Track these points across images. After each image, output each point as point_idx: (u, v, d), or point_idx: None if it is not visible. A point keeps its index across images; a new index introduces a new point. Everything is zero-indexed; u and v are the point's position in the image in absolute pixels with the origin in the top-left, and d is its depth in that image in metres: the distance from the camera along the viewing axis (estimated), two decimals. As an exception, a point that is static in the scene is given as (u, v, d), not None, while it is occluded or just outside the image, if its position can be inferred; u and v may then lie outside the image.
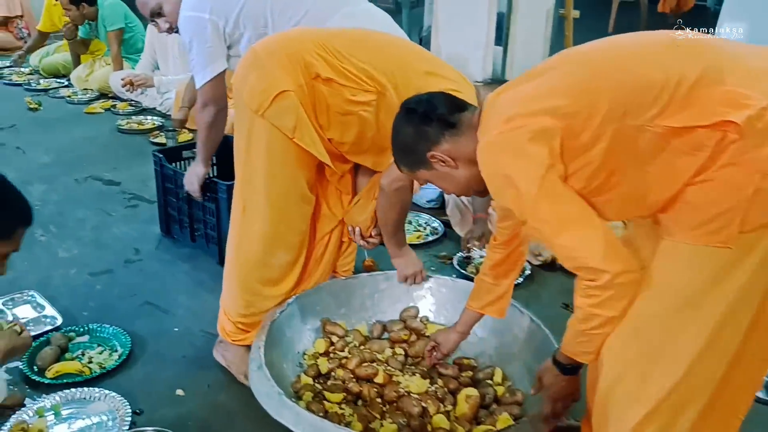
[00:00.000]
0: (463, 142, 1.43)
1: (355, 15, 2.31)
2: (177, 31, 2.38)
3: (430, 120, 1.45)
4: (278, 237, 1.96)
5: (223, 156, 2.80)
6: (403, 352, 2.05)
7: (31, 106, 4.83)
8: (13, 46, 6.70)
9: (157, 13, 2.48)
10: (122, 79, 4.73)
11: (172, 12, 2.40)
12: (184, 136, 4.09)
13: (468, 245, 2.70)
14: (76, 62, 5.51)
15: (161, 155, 2.89)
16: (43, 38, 5.94)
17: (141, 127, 4.46)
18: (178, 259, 2.80)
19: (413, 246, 2.56)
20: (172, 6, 2.40)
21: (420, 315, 2.17)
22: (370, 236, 2.19)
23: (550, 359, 1.60)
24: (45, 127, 4.50)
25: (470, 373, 2.01)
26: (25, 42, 6.73)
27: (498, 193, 1.37)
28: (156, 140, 4.20)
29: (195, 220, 2.80)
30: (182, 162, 3.00)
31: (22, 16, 6.65)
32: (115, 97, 5.09)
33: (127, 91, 4.83)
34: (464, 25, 3.51)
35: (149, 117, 4.66)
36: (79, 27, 5.17)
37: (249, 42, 2.25)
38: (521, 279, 2.58)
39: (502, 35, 3.53)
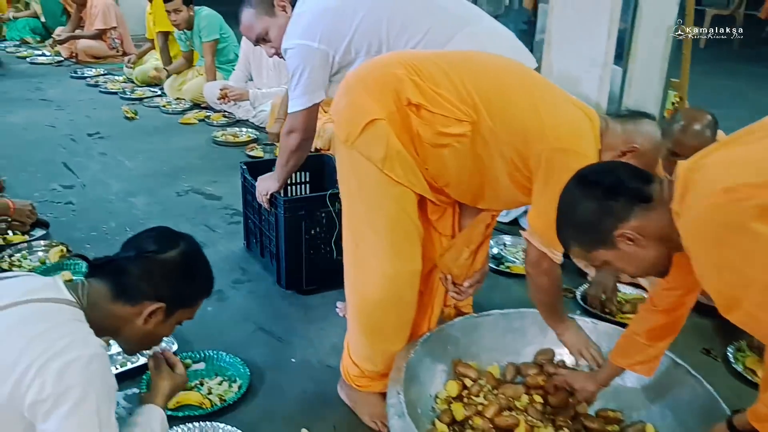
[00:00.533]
0: (654, 217, 1.28)
1: (477, 35, 2.16)
2: (282, 57, 2.29)
3: (618, 194, 1.30)
4: (396, 274, 1.79)
5: (315, 170, 2.91)
6: (541, 401, 1.89)
7: (128, 115, 4.89)
8: (107, 55, 6.87)
9: (262, 39, 2.40)
10: (220, 90, 4.73)
11: (278, 38, 2.31)
12: (281, 150, 4.04)
13: (595, 302, 2.53)
14: (167, 60, 5.59)
15: (245, 167, 2.85)
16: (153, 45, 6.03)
17: (236, 140, 4.44)
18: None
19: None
20: (278, 31, 2.31)
21: (557, 358, 2.01)
22: (463, 285, 1.99)
23: (723, 423, 1.43)
24: (143, 136, 4.54)
25: (617, 427, 1.84)
26: (117, 51, 6.91)
27: (710, 274, 1.18)
28: (252, 153, 4.16)
29: (263, 236, 2.75)
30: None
31: (115, 27, 6.79)
32: (209, 108, 5.10)
33: (221, 103, 4.83)
34: (580, 40, 3.32)
35: (244, 129, 4.63)
36: (177, 36, 5.24)
37: None
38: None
39: (621, 53, 3.33)
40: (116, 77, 6.06)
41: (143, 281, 1.35)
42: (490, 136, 1.65)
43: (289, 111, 2.31)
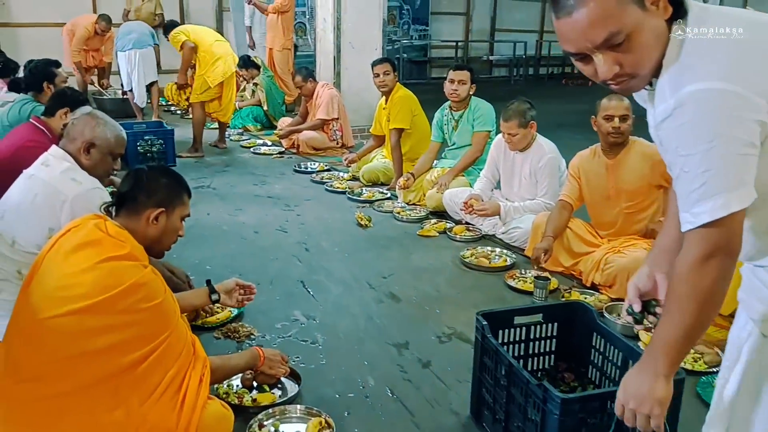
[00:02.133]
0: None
1: None
2: (629, 89, 1.36)
3: None
4: None
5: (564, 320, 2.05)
6: None
7: (362, 223, 4.39)
8: (327, 147, 6.63)
9: (608, 45, 1.26)
10: (464, 203, 4.12)
11: (645, 50, 1.27)
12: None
13: None
14: (399, 159, 5.17)
15: (484, 321, 2.17)
16: (379, 142, 5.67)
17: (490, 264, 3.73)
18: None
19: None
20: (648, 38, 1.26)
21: None
22: None
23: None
24: (380, 250, 3.98)
25: None
26: (337, 143, 6.66)
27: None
28: (514, 284, 3.43)
29: (510, 417, 2.03)
30: (512, 330, 2.31)
31: (337, 119, 6.55)
32: (448, 217, 4.50)
33: (465, 214, 4.20)
34: None
35: (497, 249, 3.92)
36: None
37: None
38: None
39: None
40: (341, 174, 5.70)
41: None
42: None
43: (700, 220, 1.24)
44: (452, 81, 4.67)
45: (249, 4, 9.05)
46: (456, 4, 14.23)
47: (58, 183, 2.50)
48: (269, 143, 7.02)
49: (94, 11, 10.51)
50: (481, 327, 2.19)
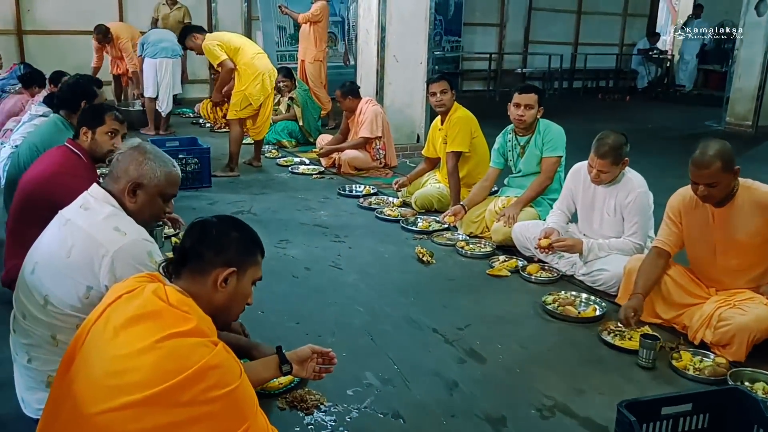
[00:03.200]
0: None
1: None
2: None
3: None
4: None
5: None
6: None
7: (424, 258, 3.96)
8: (369, 167, 6.22)
9: None
10: (541, 239, 3.69)
11: None
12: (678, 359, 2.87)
13: None
14: (456, 183, 4.75)
15: (632, 416, 1.79)
16: (431, 165, 5.26)
17: (576, 313, 3.28)
18: None
19: None
20: None
21: None
22: None
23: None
24: (448, 293, 3.55)
25: None
26: (380, 163, 6.25)
27: None
28: (611, 340, 2.98)
29: None
30: (659, 423, 1.89)
31: (381, 137, 6.14)
32: (517, 253, 4.06)
33: (540, 251, 3.77)
34: None
35: (583, 295, 3.47)
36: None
37: None
38: None
39: None
40: (390, 199, 5.27)
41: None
42: None
43: None
44: (518, 105, 4.23)
45: (282, 13, 8.69)
46: (490, 15, 13.81)
47: (99, 233, 2.07)
48: (307, 161, 6.63)
49: (121, 19, 10.24)
50: (628, 424, 1.76)
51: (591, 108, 12.02)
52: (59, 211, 2.24)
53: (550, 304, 3.35)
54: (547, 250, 3.70)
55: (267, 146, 7.21)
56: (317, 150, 6.52)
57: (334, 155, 6.26)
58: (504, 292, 3.59)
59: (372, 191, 5.47)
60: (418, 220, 4.73)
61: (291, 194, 5.47)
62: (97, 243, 2.05)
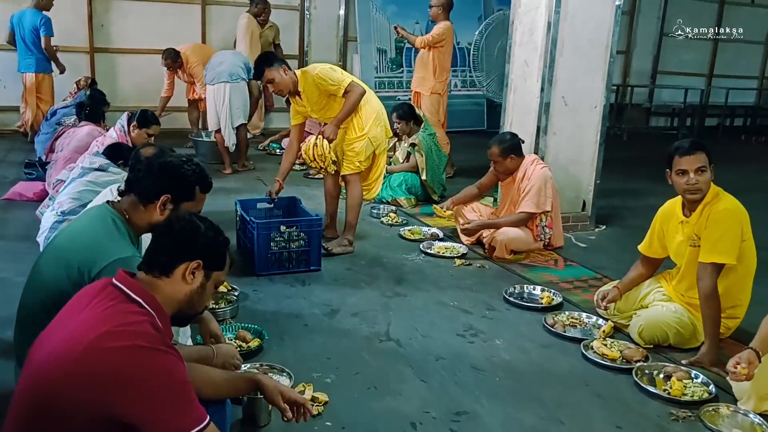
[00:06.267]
0: None
1: None
2: None
3: None
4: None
5: None
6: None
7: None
8: (529, 249, 4.55)
9: None
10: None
11: None
12: None
13: None
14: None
15: None
16: (650, 269, 3.55)
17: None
18: None
19: None
20: None
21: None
22: None
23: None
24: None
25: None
26: (544, 244, 4.57)
27: None
28: None
29: None
30: None
31: (548, 212, 4.46)
32: None
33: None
34: None
35: None
36: None
37: None
38: None
39: None
40: (597, 321, 3.54)
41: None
42: None
43: None
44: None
45: (398, 35, 7.14)
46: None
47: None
48: (440, 233, 4.99)
49: (203, 40, 8.94)
50: None
51: (742, 152, 10.09)
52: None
53: None
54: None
55: (381, 205, 5.63)
56: (464, 226, 4.73)
57: (485, 232, 4.60)
58: None
59: (552, 298, 3.76)
60: (661, 372, 2.99)
61: (436, 297, 3.83)
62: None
